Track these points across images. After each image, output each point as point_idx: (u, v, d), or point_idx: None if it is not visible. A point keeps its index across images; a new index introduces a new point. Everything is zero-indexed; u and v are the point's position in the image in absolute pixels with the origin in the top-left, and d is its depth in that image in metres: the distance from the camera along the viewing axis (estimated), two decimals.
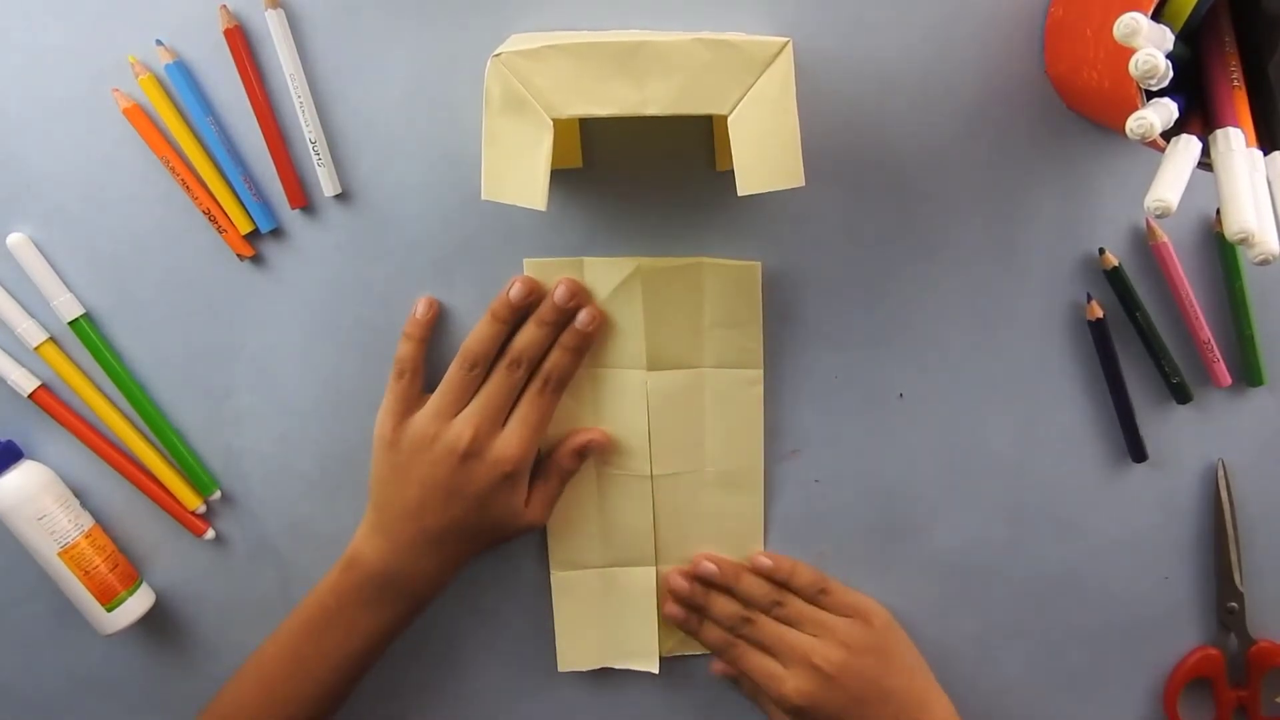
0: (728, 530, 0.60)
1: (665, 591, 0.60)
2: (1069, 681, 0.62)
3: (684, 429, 0.58)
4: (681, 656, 0.62)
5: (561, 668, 0.61)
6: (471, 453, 0.54)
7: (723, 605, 0.59)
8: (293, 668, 0.55)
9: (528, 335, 0.54)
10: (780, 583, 0.59)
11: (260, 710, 0.55)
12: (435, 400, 0.55)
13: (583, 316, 0.55)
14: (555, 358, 0.55)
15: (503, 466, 0.54)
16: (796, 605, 0.58)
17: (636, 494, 0.59)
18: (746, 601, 0.59)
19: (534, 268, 0.56)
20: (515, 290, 0.54)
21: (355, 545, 0.56)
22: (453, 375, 0.55)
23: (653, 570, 0.60)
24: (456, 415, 0.54)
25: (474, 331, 0.55)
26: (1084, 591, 0.61)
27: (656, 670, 0.61)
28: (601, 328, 0.56)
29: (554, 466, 0.57)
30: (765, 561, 0.59)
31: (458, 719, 0.63)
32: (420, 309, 0.55)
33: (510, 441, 0.54)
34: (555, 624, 0.61)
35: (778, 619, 0.58)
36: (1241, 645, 0.61)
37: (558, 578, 0.60)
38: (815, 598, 0.58)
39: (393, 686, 0.62)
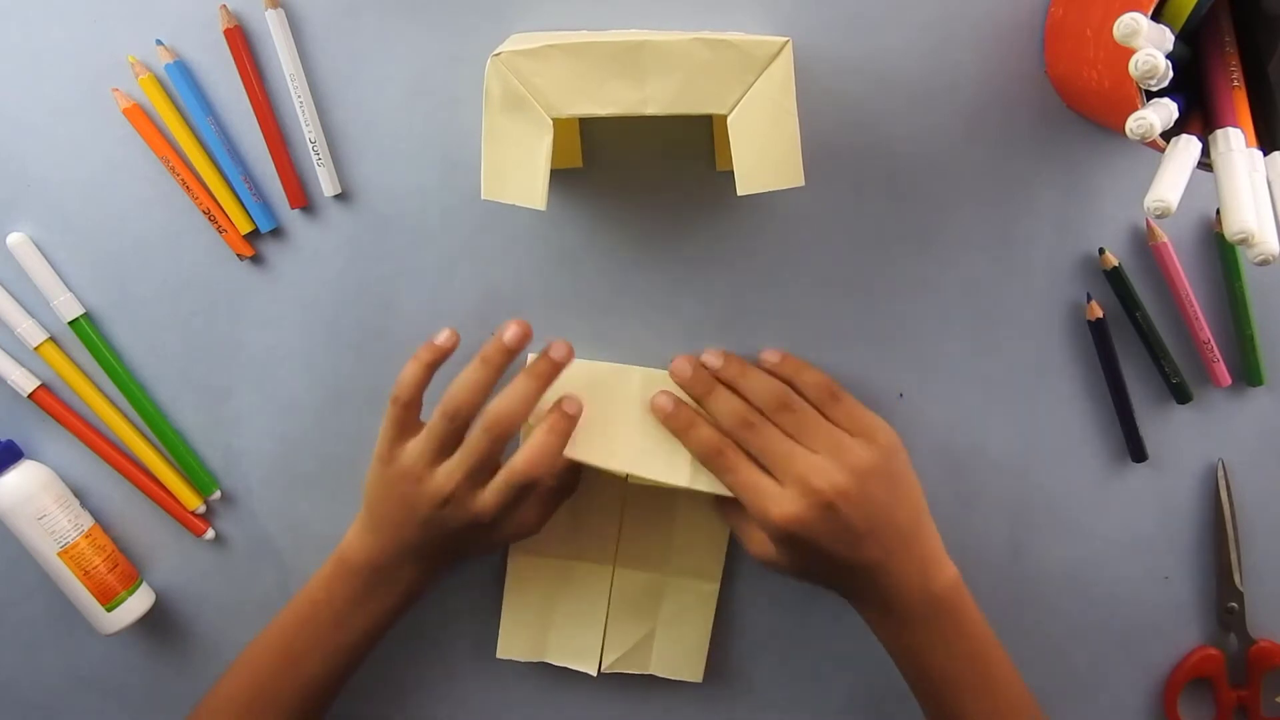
0: (697, 541, 0.59)
1: (657, 389, 0.55)
2: (1069, 681, 0.62)
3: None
4: (623, 675, 0.61)
5: (500, 654, 0.60)
6: (450, 501, 0.52)
7: (725, 400, 0.53)
8: (283, 663, 0.55)
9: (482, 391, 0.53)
10: (785, 378, 0.54)
11: (251, 704, 0.55)
12: (424, 441, 0.53)
13: (559, 347, 0.54)
14: (537, 441, 0.53)
15: (480, 519, 0.53)
16: (806, 415, 0.53)
17: (610, 493, 0.59)
18: (750, 401, 0.53)
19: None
20: (510, 335, 0.53)
21: (346, 541, 0.56)
22: (436, 425, 0.52)
23: (610, 571, 0.59)
24: (445, 458, 0.53)
25: (461, 378, 0.52)
26: (1084, 591, 0.61)
27: (595, 674, 0.60)
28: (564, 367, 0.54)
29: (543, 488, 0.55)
30: (773, 356, 0.55)
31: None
32: (442, 337, 0.54)
33: (488, 502, 0.52)
34: (503, 609, 0.60)
35: (781, 426, 0.52)
36: (1241, 645, 0.61)
37: (515, 562, 0.60)
38: (824, 403, 0.53)
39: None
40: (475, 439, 0.52)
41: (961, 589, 0.54)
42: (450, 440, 0.52)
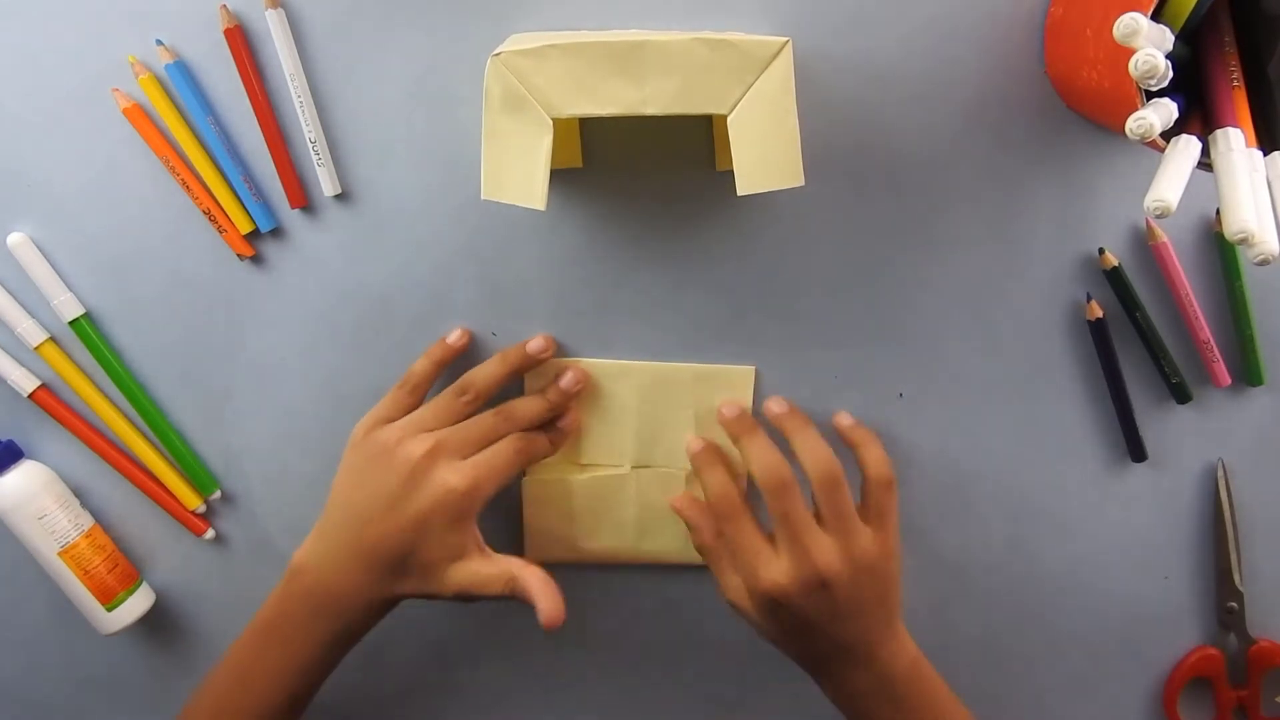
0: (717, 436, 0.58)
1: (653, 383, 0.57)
2: (1069, 681, 0.62)
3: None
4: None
5: (529, 556, 0.59)
6: (421, 469, 0.51)
7: (765, 453, 0.53)
8: (240, 683, 0.53)
9: (491, 369, 0.55)
10: (850, 444, 0.55)
11: None
12: (415, 415, 0.54)
13: (569, 379, 0.56)
14: (542, 442, 0.56)
15: (447, 494, 0.51)
16: (844, 500, 0.52)
17: (619, 402, 0.58)
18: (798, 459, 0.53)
19: (534, 376, 0.57)
20: (533, 345, 0.55)
21: (299, 553, 0.54)
22: (441, 398, 0.54)
23: (629, 473, 0.59)
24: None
25: (481, 366, 0.55)
26: (1084, 591, 0.61)
27: (631, 559, 0.60)
28: (584, 389, 0.57)
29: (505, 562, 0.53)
30: (845, 420, 0.56)
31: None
32: (454, 336, 0.56)
33: (462, 471, 0.51)
34: (524, 522, 0.59)
35: (816, 501, 0.52)
36: (1241, 645, 0.61)
37: (530, 481, 0.59)
38: (870, 491, 0.54)
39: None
40: (481, 416, 0.54)
41: (924, 665, 0.54)
42: (452, 415, 0.54)
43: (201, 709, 0.55)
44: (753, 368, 0.57)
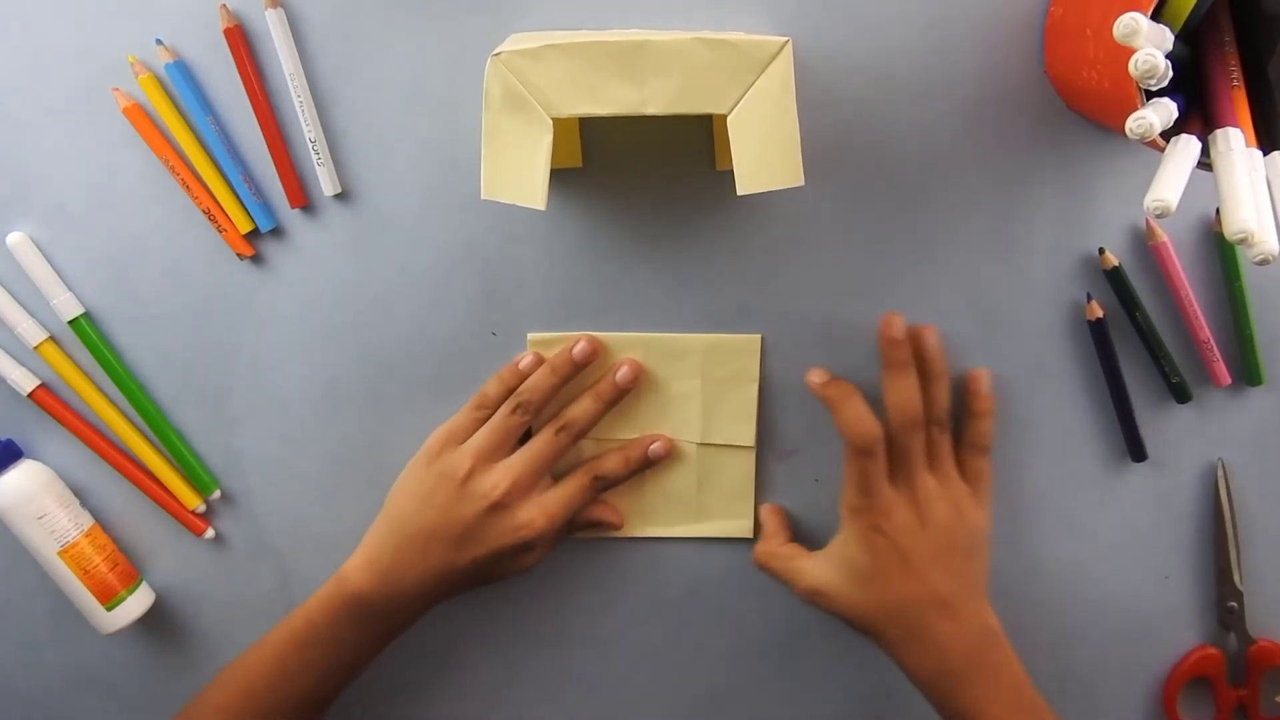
0: (726, 412, 0.58)
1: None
2: (1069, 681, 0.62)
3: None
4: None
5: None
6: (501, 505, 0.53)
7: (910, 389, 0.54)
8: (276, 679, 0.55)
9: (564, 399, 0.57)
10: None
11: (241, 713, 0.54)
12: (479, 439, 0.55)
13: (624, 374, 0.56)
14: (609, 467, 0.57)
15: (524, 533, 0.54)
16: (946, 444, 0.55)
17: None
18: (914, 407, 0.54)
19: (537, 344, 0.57)
20: (579, 350, 0.56)
21: (351, 563, 0.56)
22: (499, 418, 0.55)
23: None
24: (497, 460, 0.54)
25: (532, 381, 0.55)
26: (1084, 591, 0.61)
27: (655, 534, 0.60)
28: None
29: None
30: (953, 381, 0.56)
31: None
32: (525, 361, 0.56)
33: (542, 513, 0.54)
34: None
35: (930, 437, 0.55)
36: (1241, 645, 0.61)
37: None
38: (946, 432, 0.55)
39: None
40: (543, 438, 0.55)
41: (1004, 641, 0.54)
42: (507, 437, 0.54)
43: (230, 697, 0.55)
44: (759, 336, 0.57)
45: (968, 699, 0.52)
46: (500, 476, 0.54)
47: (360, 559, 0.55)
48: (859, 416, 0.53)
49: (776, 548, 0.58)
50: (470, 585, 0.56)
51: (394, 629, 0.56)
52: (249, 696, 0.55)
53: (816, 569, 0.55)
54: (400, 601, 0.55)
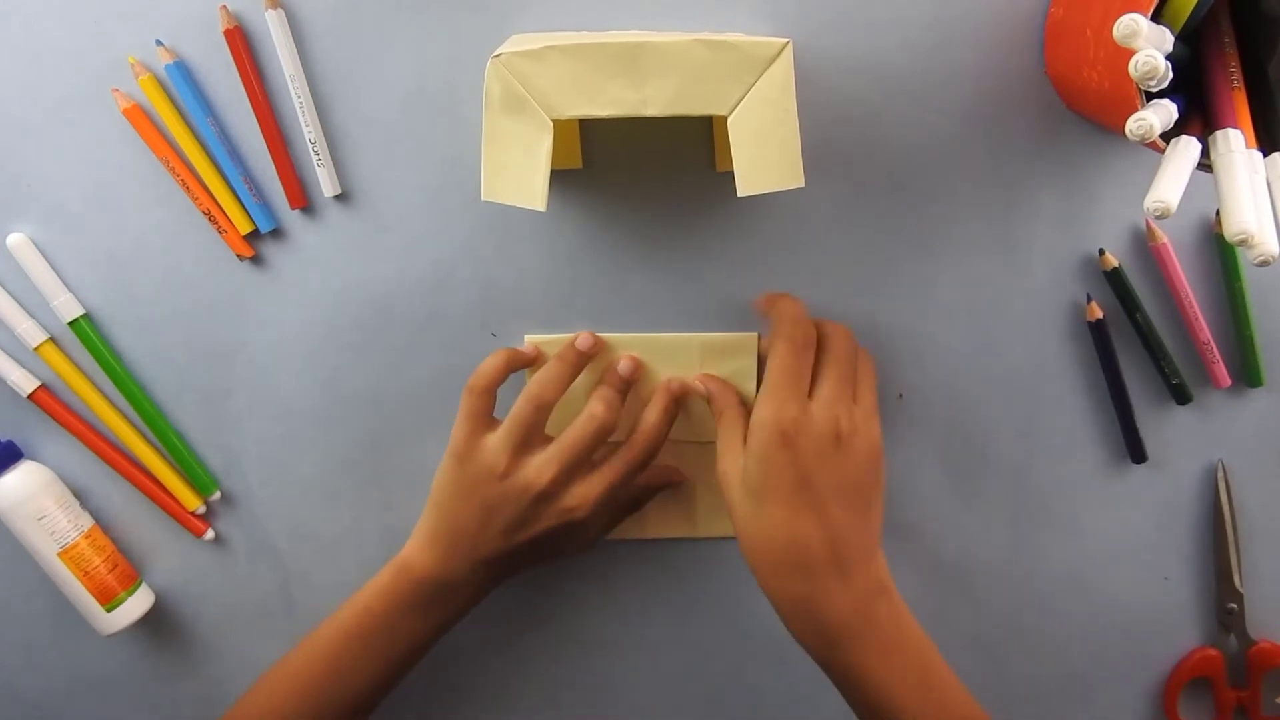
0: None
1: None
2: (1069, 681, 0.62)
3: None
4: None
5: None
6: (547, 495, 0.52)
7: (799, 309, 0.53)
8: (333, 671, 0.54)
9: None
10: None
11: (297, 713, 0.54)
12: (508, 432, 0.53)
13: (675, 385, 0.56)
14: (651, 422, 0.55)
15: (573, 515, 0.53)
16: (868, 382, 0.53)
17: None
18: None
19: (535, 344, 0.57)
20: (582, 342, 0.56)
21: (408, 552, 0.55)
22: (523, 411, 0.53)
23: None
24: (531, 453, 0.53)
25: (543, 373, 0.54)
26: (1084, 592, 0.61)
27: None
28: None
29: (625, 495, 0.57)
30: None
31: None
32: (530, 349, 0.57)
33: (588, 493, 0.53)
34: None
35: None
36: (1241, 646, 0.61)
37: None
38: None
39: None
40: (576, 432, 0.53)
41: (903, 608, 0.51)
42: (535, 430, 0.53)
43: (282, 695, 0.54)
44: (756, 334, 0.57)
45: (849, 663, 0.48)
46: (544, 467, 0.52)
47: (416, 549, 0.55)
48: (800, 315, 0.52)
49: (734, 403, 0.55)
50: (531, 563, 0.55)
51: (456, 613, 0.55)
52: (306, 691, 0.54)
53: (732, 461, 0.51)
54: (465, 579, 0.54)
